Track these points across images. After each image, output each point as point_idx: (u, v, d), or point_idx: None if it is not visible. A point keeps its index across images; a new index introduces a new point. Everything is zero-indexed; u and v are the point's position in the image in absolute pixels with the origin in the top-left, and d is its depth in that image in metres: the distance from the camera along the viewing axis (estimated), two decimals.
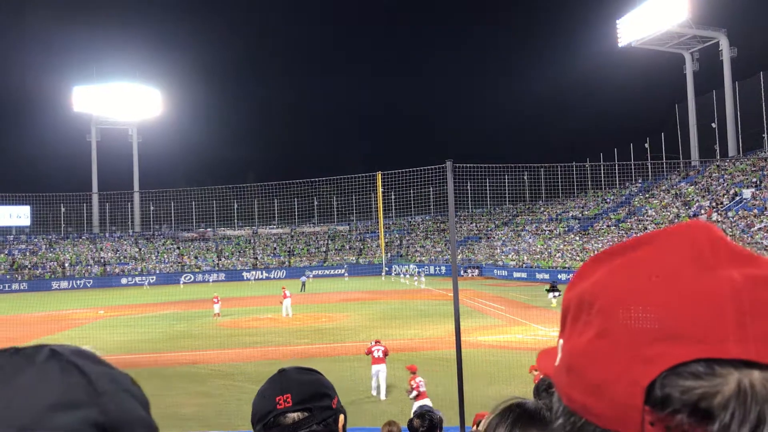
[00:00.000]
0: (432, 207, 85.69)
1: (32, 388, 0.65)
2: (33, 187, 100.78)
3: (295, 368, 1.87)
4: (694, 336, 0.57)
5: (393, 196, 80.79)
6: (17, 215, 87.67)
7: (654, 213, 64.21)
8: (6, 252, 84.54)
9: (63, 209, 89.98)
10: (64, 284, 76.14)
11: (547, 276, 58.31)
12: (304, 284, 56.68)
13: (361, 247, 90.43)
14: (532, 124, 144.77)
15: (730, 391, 0.55)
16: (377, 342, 17.99)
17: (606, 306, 0.64)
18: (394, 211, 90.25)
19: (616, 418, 0.60)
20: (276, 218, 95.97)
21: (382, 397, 17.42)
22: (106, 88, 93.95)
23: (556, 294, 39.19)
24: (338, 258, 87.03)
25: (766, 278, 0.59)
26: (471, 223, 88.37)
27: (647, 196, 70.27)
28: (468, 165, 17.93)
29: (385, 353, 17.93)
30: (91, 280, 76.79)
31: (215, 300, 39.18)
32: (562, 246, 67.23)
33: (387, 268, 73.87)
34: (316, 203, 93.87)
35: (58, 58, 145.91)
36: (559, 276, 57.73)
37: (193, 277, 79.60)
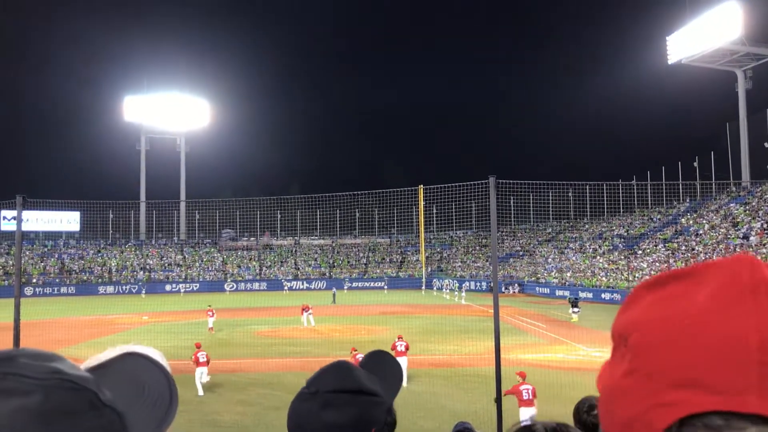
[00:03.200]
0: (474, 222, 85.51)
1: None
2: (83, 194, 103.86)
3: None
4: (714, 386, 0.56)
5: (434, 210, 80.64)
6: (68, 221, 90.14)
7: (702, 233, 62.83)
8: (56, 256, 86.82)
9: (111, 216, 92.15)
10: (110, 289, 77.82)
11: (590, 295, 57.60)
12: (334, 296, 56.85)
13: (402, 260, 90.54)
14: (579, 140, 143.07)
15: None
16: (400, 338, 20.76)
17: (637, 343, 0.63)
18: (435, 225, 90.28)
19: None
20: (318, 229, 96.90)
21: (404, 384, 16.96)
22: (155, 98, 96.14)
23: (576, 310, 41.38)
24: (378, 270, 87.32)
25: None
26: (513, 239, 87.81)
27: (695, 216, 68.80)
28: (511, 181, 17.69)
29: (407, 347, 21.05)
30: (137, 286, 78.27)
31: (209, 313, 36.55)
32: (606, 265, 66.24)
33: (427, 282, 73.85)
34: (357, 215, 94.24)
35: (110, 68, 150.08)
36: (602, 295, 57.19)
37: (236, 286, 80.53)
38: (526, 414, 14.73)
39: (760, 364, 0.55)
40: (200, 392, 20.00)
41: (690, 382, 0.57)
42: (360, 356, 18.15)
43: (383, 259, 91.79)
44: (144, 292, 74.75)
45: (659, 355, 0.60)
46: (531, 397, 14.96)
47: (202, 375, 20.23)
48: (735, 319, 0.57)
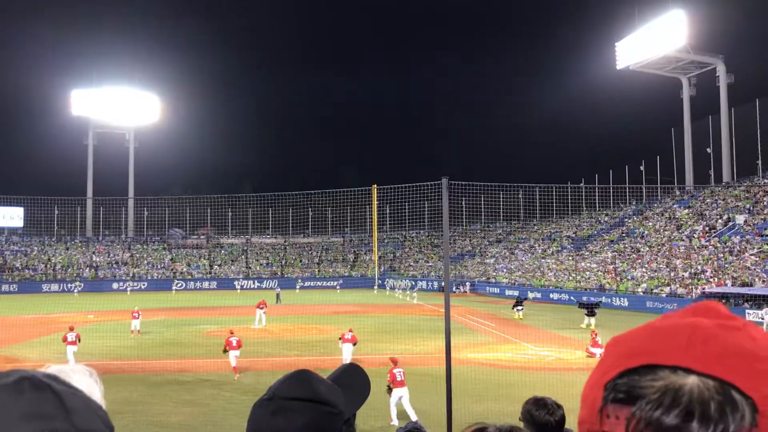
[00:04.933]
0: (426, 222, 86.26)
1: (4, 403, 0.73)
2: (28, 189, 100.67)
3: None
4: (648, 352, 0.73)
5: (388, 210, 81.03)
6: (10, 216, 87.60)
7: (647, 235, 64.35)
8: None
9: (57, 212, 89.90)
10: (54, 287, 75.80)
11: (539, 295, 58.49)
12: (278, 296, 55.84)
13: (355, 259, 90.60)
14: (530, 142, 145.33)
15: (663, 383, 0.70)
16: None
17: (606, 346, 0.81)
18: (388, 224, 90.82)
19: (589, 419, 0.76)
20: (270, 228, 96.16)
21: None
22: (104, 92, 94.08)
23: (520, 308, 42.82)
24: (331, 270, 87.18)
25: (735, 327, 0.74)
26: (465, 239, 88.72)
27: (641, 218, 70.49)
28: (463, 183, 17.88)
29: (354, 338, 23.08)
30: (82, 284, 76.46)
31: (135, 314, 34.39)
32: (554, 265, 67.37)
33: (380, 282, 74.45)
34: (310, 214, 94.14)
35: (58, 60, 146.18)
36: (551, 295, 58.12)
37: (185, 285, 79.41)
38: (398, 394, 16.16)
39: (690, 337, 0.72)
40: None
41: (632, 354, 0.74)
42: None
43: (336, 258, 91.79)
44: (77, 291, 72.53)
45: (616, 345, 0.78)
46: (403, 378, 16.40)
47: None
48: (685, 319, 0.75)
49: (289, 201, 72.02)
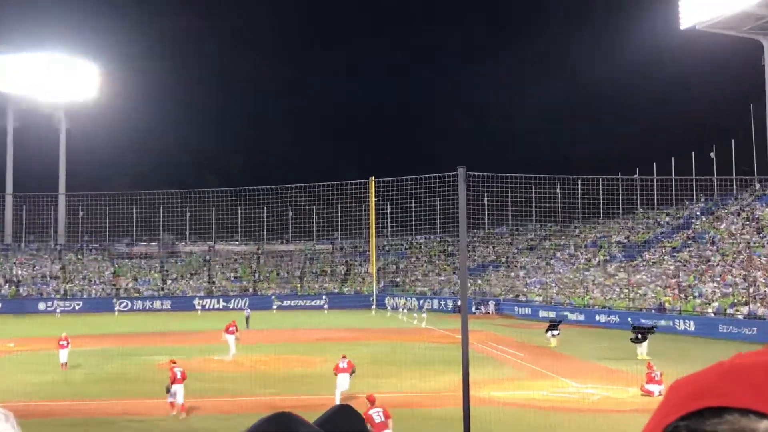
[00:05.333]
0: (438, 224, 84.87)
1: None
2: None
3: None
4: (715, 393, 0.78)
5: (389, 209, 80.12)
6: None
7: (719, 241, 63.95)
8: None
9: None
10: None
11: (581, 316, 58.17)
12: (247, 319, 55.58)
13: (347, 272, 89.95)
14: (569, 126, 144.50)
15: (730, 428, 0.75)
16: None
17: (668, 389, 0.86)
18: (390, 228, 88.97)
19: None
20: (240, 232, 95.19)
21: None
22: (27, 59, 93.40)
23: (555, 333, 42.97)
24: (317, 285, 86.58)
25: None
26: (487, 245, 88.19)
27: (712, 218, 70.15)
28: (486, 174, 17.75)
29: (350, 365, 24.49)
30: (0, 303, 76.15)
31: (63, 343, 34.02)
32: (601, 279, 67.12)
33: (378, 300, 74.23)
34: (290, 215, 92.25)
35: None
36: (596, 317, 57.71)
37: (130, 304, 79.23)
38: None
39: (763, 379, 0.77)
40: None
41: (695, 396, 0.80)
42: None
43: (323, 270, 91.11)
44: (59, 311, 73.25)
45: (678, 388, 0.84)
46: (384, 419, 16.77)
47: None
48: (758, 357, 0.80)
49: (264, 198, 71.10)
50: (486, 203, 78.66)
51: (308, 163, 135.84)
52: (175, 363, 23.97)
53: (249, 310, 59.13)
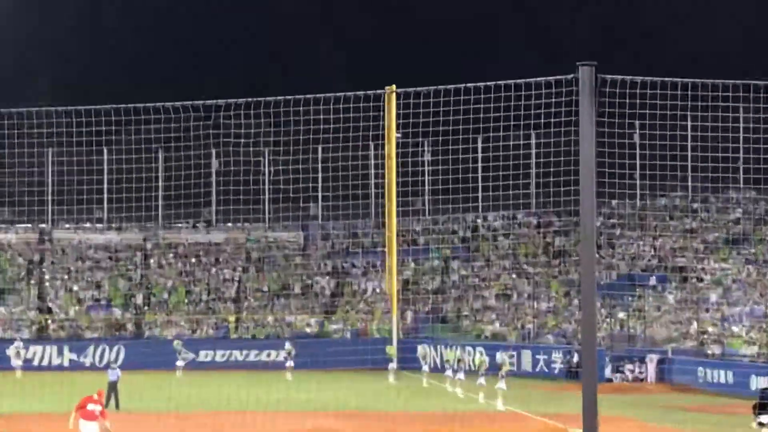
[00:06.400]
0: (534, 190, 55.04)
1: None
2: None
3: None
4: None
5: (427, 159, 56.34)
6: None
7: None
8: None
9: None
10: None
11: None
12: (113, 388, 37.21)
13: (336, 290, 63.21)
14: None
15: None
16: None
17: None
18: (428, 196, 60.88)
19: None
20: (104, 208, 64.28)
21: None
22: None
23: (765, 420, 32.68)
24: (271, 319, 60.74)
25: None
26: (642, 235, 58.53)
27: None
28: (630, 78, 13.05)
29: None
30: None
31: None
32: None
33: (405, 352, 51.79)
34: (215, 170, 59.61)
35: None
36: None
37: None
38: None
39: None
40: None
41: None
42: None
43: (285, 287, 62.37)
44: None
45: None
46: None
47: None
48: None
49: (152, 130, 40.76)
50: (637, 142, 45.76)
51: (253, 60, 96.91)
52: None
53: (118, 371, 39.61)
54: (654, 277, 56.29)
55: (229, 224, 69.21)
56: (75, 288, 63.07)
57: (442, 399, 41.85)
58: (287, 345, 54.23)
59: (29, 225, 67.30)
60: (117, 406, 35.59)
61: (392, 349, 49.63)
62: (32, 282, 63.19)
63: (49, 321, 60.24)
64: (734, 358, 47.91)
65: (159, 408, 33.82)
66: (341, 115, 29.89)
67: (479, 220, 65.23)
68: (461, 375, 44.47)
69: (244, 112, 26.60)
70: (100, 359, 52.96)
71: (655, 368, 49.04)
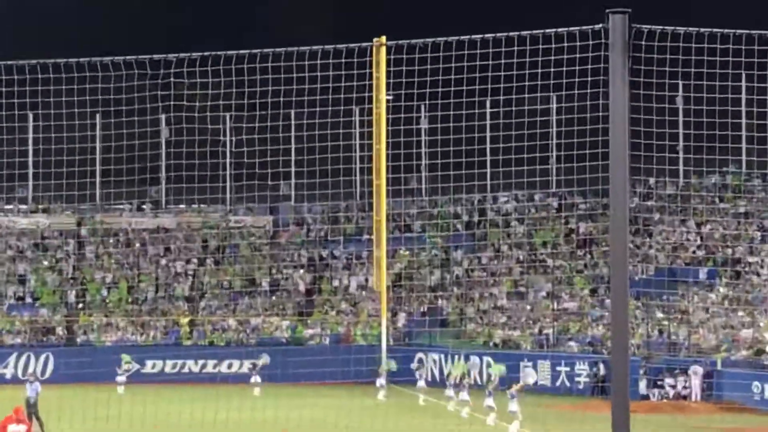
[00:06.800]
0: (554, 168, 53.12)
1: None
2: None
3: None
4: None
5: (424, 125, 52.68)
6: None
7: None
8: None
9: None
10: None
11: None
12: (32, 406, 35.06)
13: (313, 287, 58.86)
14: None
15: None
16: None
17: None
18: (425, 172, 56.57)
19: None
20: (29, 186, 58.30)
21: None
22: None
23: None
24: (233, 323, 56.66)
25: None
26: (684, 216, 55.74)
27: None
28: (671, 28, 11.23)
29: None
30: None
31: None
32: None
33: (395, 362, 47.92)
34: (165, 140, 53.39)
35: None
36: None
37: None
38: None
39: None
40: None
41: None
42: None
43: (249, 283, 57.59)
44: None
45: None
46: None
47: None
48: None
49: (89, 87, 37.13)
50: (680, 107, 45.30)
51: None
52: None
53: (38, 385, 37.19)
54: (701, 272, 53.56)
55: (182, 206, 65.02)
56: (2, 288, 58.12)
57: (442, 420, 40.14)
58: (264, 356, 50.61)
59: None
60: (41, 429, 33.36)
61: (390, 364, 46.02)
62: None
63: None
64: None
65: (96, 430, 32.96)
66: (318, 73, 23.31)
67: (487, 202, 62.20)
68: (465, 394, 40.95)
69: (200, 69, 19.77)
70: (24, 370, 49.14)
71: (701, 383, 46.20)
